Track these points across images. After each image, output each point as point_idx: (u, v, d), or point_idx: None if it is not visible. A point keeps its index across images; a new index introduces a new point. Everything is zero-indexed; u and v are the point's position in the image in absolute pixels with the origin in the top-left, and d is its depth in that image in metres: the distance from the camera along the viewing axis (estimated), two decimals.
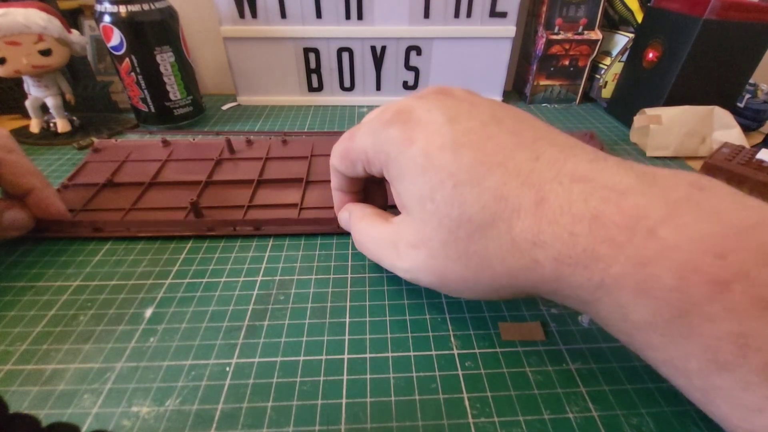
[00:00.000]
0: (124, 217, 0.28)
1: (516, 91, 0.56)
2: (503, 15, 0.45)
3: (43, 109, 0.39)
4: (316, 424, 0.16)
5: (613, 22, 0.49)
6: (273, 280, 0.23)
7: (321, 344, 0.20)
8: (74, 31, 0.37)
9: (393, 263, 0.19)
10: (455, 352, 0.19)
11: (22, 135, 0.39)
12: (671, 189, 0.13)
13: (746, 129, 0.42)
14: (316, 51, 0.47)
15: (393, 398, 0.17)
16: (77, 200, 0.29)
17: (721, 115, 0.37)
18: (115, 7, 0.35)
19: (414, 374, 0.18)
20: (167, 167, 0.34)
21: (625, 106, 0.45)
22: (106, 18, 0.36)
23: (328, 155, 0.22)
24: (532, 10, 0.49)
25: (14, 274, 0.24)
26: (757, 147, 0.34)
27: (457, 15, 0.45)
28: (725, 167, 0.31)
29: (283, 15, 0.44)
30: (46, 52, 0.35)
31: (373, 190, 0.25)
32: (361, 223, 0.22)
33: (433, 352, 0.19)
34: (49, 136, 0.39)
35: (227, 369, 0.18)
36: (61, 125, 0.39)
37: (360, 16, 0.45)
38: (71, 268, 0.24)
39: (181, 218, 0.28)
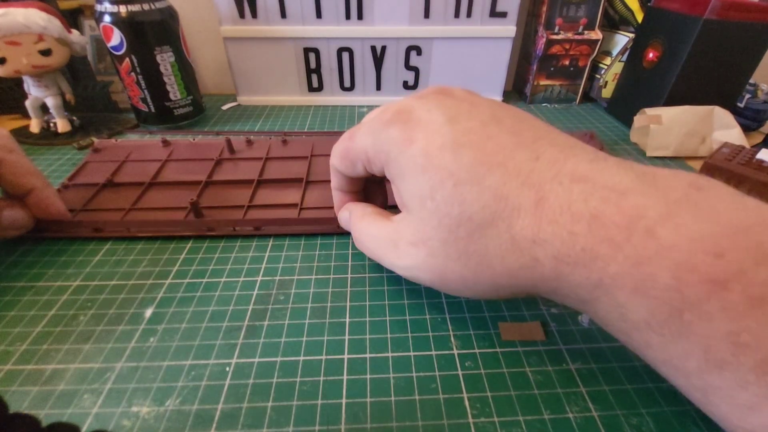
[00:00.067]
0: (124, 217, 0.28)
1: (516, 91, 0.56)
2: (503, 15, 0.45)
3: (43, 109, 0.39)
4: (316, 424, 0.16)
5: (613, 22, 0.49)
6: (273, 280, 0.23)
7: (321, 344, 0.20)
8: (74, 31, 0.37)
9: (393, 262, 0.19)
10: (455, 352, 0.19)
11: (22, 135, 0.39)
12: (670, 189, 0.13)
13: (746, 129, 0.42)
14: (316, 51, 0.47)
15: (393, 398, 0.17)
16: (77, 200, 0.29)
17: (721, 115, 0.37)
18: (115, 7, 0.35)
19: (414, 374, 0.18)
20: (167, 167, 0.34)
21: (625, 106, 0.45)
22: (106, 18, 0.36)
23: (328, 155, 0.22)
24: (532, 10, 0.49)
25: (14, 274, 0.24)
26: (757, 147, 0.34)
27: (457, 15, 0.45)
28: (725, 167, 0.31)
29: (283, 15, 0.44)
30: (46, 52, 0.35)
31: (373, 190, 0.25)
32: (361, 222, 0.22)
33: (433, 352, 0.19)
34: (49, 136, 0.39)
35: (227, 369, 0.18)
36: (61, 125, 0.39)
37: (360, 16, 0.45)
38: (71, 268, 0.24)
39: (181, 218, 0.28)
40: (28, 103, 0.38)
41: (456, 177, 0.16)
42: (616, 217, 0.13)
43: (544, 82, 0.50)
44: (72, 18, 0.44)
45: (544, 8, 0.46)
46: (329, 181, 0.24)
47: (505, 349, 0.19)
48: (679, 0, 0.38)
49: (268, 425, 0.16)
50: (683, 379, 0.14)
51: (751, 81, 0.43)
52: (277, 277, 0.23)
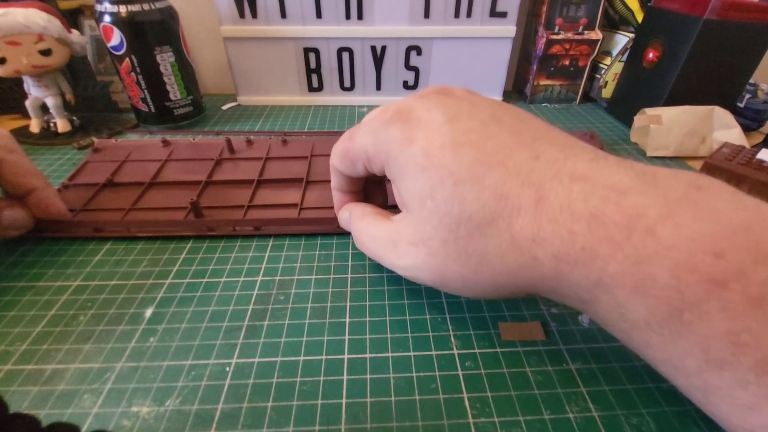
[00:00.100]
0: (124, 217, 0.28)
1: (516, 91, 0.56)
2: (503, 15, 0.45)
3: (43, 109, 0.39)
4: (316, 424, 0.16)
5: (614, 22, 0.49)
6: (273, 280, 0.23)
7: (321, 344, 0.20)
8: (74, 31, 0.37)
9: (393, 262, 0.19)
10: (455, 352, 0.19)
11: (22, 135, 0.39)
12: (670, 188, 0.13)
13: (746, 129, 0.42)
14: (316, 51, 0.47)
15: (393, 398, 0.17)
16: (77, 200, 0.29)
17: (721, 115, 0.37)
18: (115, 7, 0.35)
19: (414, 374, 0.18)
20: (167, 167, 0.34)
21: (625, 105, 0.45)
22: (106, 18, 0.36)
23: (328, 155, 0.22)
24: (532, 10, 0.49)
25: (14, 274, 0.24)
26: (757, 147, 0.34)
27: (457, 15, 0.45)
28: (725, 167, 0.31)
29: (283, 15, 0.44)
30: (46, 52, 0.35)
31: (373, 190, 0.25)
32: (361, 222, 0.22)
33: (433, 352, 0.19)
34: (49, 136, 0.39)
35: (227, 369, 0.18)
36: (61, 125, 0.39)
37: (360, 16, 0.45)
38: (71, 268, 0.24)
39: (181, 218, 0.28)
40: (28, 103, 0.38)
41: (456, 176, 0.16)
42: (615, 217, 0.13)
43: (544, 82, 0.50)
44: (72, 18, 0.44)
45: (544, 8, 0.46)
46: (329, 181, 0.24)
47: (505, 349, 0.19)
48: (679, 0, 0.38)
49: (268, 425, 0.16)
50: (683, 379, 0.14)
51: (751, 81, 0.43)
52: (277, 277, 0.23)
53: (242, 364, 0.19)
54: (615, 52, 0.47)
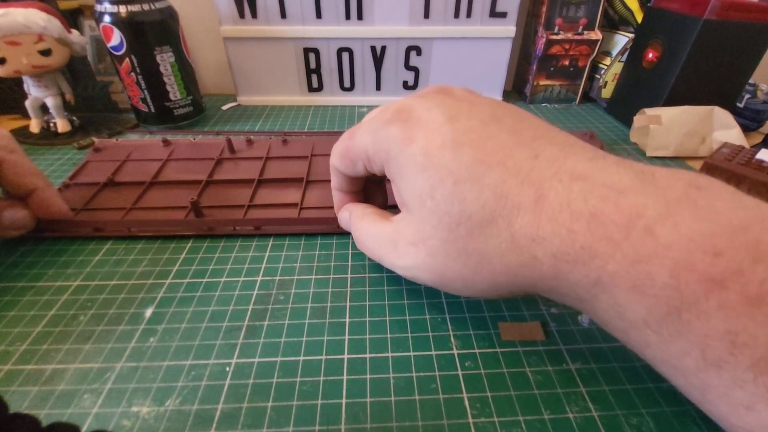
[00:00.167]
0: (124, 216, 0.28)
1: (516, 91, 0.56)
2: (503, 15, 0.45)
3: (43, 109, 0.39)
4: (316, 424, 0.16)
5: (613, 22, 0.49)
6: (273, 280, 0.23)
7: (321, 344, 0.20)
8: (74, 31, 0.37)
9: (393, 262, 0.19)
10: (455, 352, 0.19)
11: (22, 135, 0.39)
12: (670, 188, 0.13)
13: (746, 129, 0.42)
14: (316, 51, 0.47)
15: (393, 398, 0.17)
16: (78, 200, 0.29)
17: (720, 115, 0.37)
18: (115, 7, 0.35)
19: (414, 374, 0.18)
20: (168, 167, 0.34)
21: (625, 106, 0.45)
22: (106, 18, 0.36)
23: (329, 155, 0.22)
24: (532, 10, 0.50)
25: (14, 274, 0.24)
26: (757, 147, 0.34)
27: (457, 15, 0.45)
28: (725, 167, 0.31)
29: (283, 15, 0.44)
30: (46, 52, 0.35)
31: (372, 190, 0.25)
32: (361, 222, 0.22)
33: (433, 352, 0.19)
34: (49, 136, 0.39)
35: (227, 369, 0.18)
36: (61, 125, 0.39)
37: (360, 16, 0.45)
38: (71, 268, 0.24)
39: (181, 218, 0.28)
40: (28, 103, 0.38)
41: (456, 175, 0.16)
42: (615, 216, 0.13)
43: (543, 82, 0.50)
44: (72, 18, 0.44)
45: (544, 8, 0.46)
46: (329, 181, 0.24)
47: (505, 349, 0.19)
48: (678, 0, 0.38)
49: (268, 425, 0.16)
50: (682, 378, 0.14)
51: (751, 81, 0.43)
52: (277, 277, 0.23)
53: (242, 364, 0.19)
54: (615, 53, 0.47)
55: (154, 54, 0.38)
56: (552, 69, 0.49)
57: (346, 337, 0.20)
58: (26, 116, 0.40)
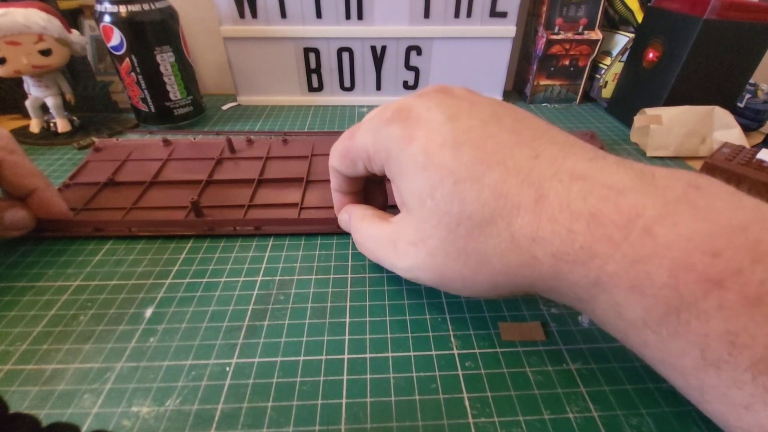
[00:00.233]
0: (124, 216, 0.28)
1: (516, 91, 0.56)
2: (503, 15, 0.45)
3: (43, 109, 0.39)
4: (316, 424, 0.16)
5: (613, 22, 0.49)
6: (273, 280, 0.23)
7: (321, 344, 0.20)
8: (74, 31, 0.37)
9: (393, 262, 0.19)
10: (455, 352, 0.19)
11: (22, 135, 0.39)
12: (669, 188, 0.13)
13: (746, 129, 0.42)
14: (316, 51, 0.47)
15: (393, 398, 0.17)
16: (78, 200, 0.29)
17: (721, 115, 0.37)
18: (115, 7, 0.35)
19: (414, 374, 0.18)
20: (168, 166, 0.34)
21: (625, 106, 0.45)
22: (106, 18, 0.36)
23: (329, 155, 0.22)
24: (532, 10, 0.49)
25: (15, 274, 0.24)
26: (758, 147, 0.33)
27: (457, 15, 0.45)
28: (725, 167, 0.31)
29: (283, 15, 0.44)
30: (46, 52, 0.35)
31: (372, 191, 0.25)
32: (361, 223, 0.22)
33: (433, 352, 0.19)
34: (49, 136, 0.39)
35: (227, 369, 0.18)
36: (61, 125, 0.39)
37: (360, 16, 0.45)
38: (71, 268, 0.24)
39: (181, 218, 0.28)
40: (28, 103, 0.38)
41: (456, 175, 0.16)
42: (614, 216, 0.13)
43: (544, 82, 0.50)
44: (72, 18, 0.44)
45: (544, 8, 0.46)
46: (330, 181, 0.24)
47: (505, 349, 0.19)
48: (679, 0, 0.38)
49: (268, 425, 0.16)
50: (680, 378, 0.14)
51: (751, 81, 0.43)
52: (277, 277, 0.23)
53: (242, 364, 0.19)
54: (615, 52, 0.47)
55: (154, 54, 0.38)
56: (552, 69, 0.49)
57: (346, 337, 0.20)
58: (26, 116, 0.40)
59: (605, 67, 0.48)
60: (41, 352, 0.19)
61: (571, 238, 0.14)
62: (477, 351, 0.19)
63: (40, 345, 0.19)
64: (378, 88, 0.50)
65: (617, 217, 0.13)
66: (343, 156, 0.21)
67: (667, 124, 0.37)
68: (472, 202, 0.15)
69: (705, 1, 0.35)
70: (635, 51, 0.44)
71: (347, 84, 0.49)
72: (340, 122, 0.45)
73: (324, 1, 0.43)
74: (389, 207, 0.26)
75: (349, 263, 0.25)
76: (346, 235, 0.27)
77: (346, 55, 0.47)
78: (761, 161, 0.31)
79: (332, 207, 0.25)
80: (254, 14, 0.44)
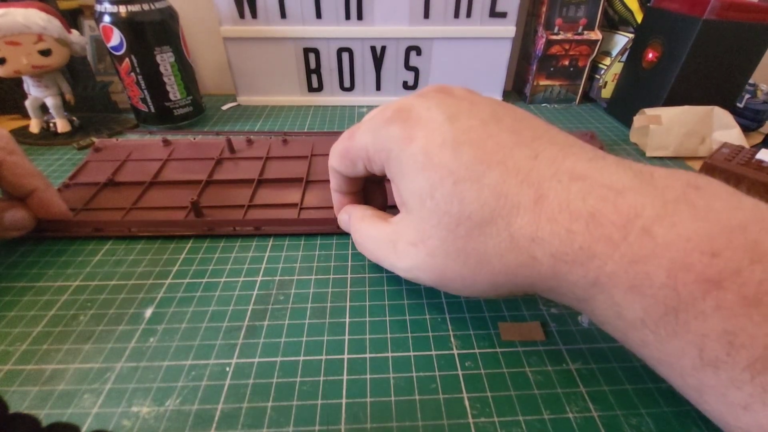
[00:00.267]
0: (124, 216, 0.28)
1: (516, 91, 0.56)
2: (503, 15, 0.45)
3: (43, 109, 0.39)
4: (316, 424, 0.16)
5: (613, 22, 0.49)
6: (273, 280, 0.23)
7: (321, 344, 0.20)
8: (74, 31, 0.37)
9: (393, 263, 0.19)
10: (455, 352, 0.19)
11: (21, 135, 0.39)
12: (668, 188, 0.13)
13: (746, 129, 0.42)
14: (316, 51, 0.47)
15: (393, 398, 0.17)
16: (78, 200, 0.29)
17: (720, 115, 0.37)
18: (115, 7, 0.35)
19: (414, 374, 0.18)
20: (168, 166, 0.34)
21: (624, 106, 0.45)
22: (106, 18, 0.36)
23: (329, 155, 0.22)
24: (532, 10, 0.50)
25: (14, 274, 0.24)
26: (757, 147, 0.34)
27: (457, 15, 0.45)
28: (725, 167, 0.31)
29: (283, 15, 0.44)
30: (46, 52, 0.35)
31: (372, 191, 0.25)
32: (360, 224, 0.22)
33: (433, 352, 0.19)
34: (48, 136, 0.39)
35: (227, 369, 0.18)
36: (61, 125, 0.39)
37: (360, 17, 0.45)
38: (71, 268, 0.24)
39: (181, 218, 0.28)
40: (27, 103, 0.38)
41: (456, 175, 0.16)
42: (613, 216, 0.13)
43: (543, 82, 0.50)
44: (72, 18, 0.44)
45: (544, 8, 0.46)
46: (329, 181, 0.24)
47: (505, 349, 0.19)
48: (678, 0, 0.38)
49: (268, 425, 0.16)
50: (679, 378, 0.14)
51: (751, 81, 0.43)
52: (277, 277, 0.23)
53: (242, 364, 0.19)
54: (614, 53, 0.47)
55: (154, 54, 0.38)
56: (552, 69, 0.49)
57: (346, 337, 0.20)
58: (26, 116, 0.40)
59: (605, 67, 0.48)
60: (41, 352, 0.19)
61: (570, 239, 0.14)
62: (477, 351, 0.19)
63: (40, 345, 0.19)
64: (378, 88, 0.50)
65: (616, 217, 0.13)
66: (343, 156, 0.21)
67: (666, 125, 0.37)
68: (471, 202, 0.15)
69: (704, 1, 0.35)
70: (635, 51, 0.44)
71: (347, 84, 0.49)
72: (340, 122, 0.45)
73: (324, 1, 0.43)
74: (389, 207, 0.26)
75: (349, 263, 0.25)
76: (346, 235, 0.27)
77: (345, 56, 0.47)
78: (760, 161, 0.31)
79: (332, 207, 0.26)
80: (254, 14, 0.44)
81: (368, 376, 0.18)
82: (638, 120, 0.39)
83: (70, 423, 0.11)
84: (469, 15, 0.45)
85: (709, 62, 0.37)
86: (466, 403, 0.17)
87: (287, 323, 0.21)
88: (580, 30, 0.46)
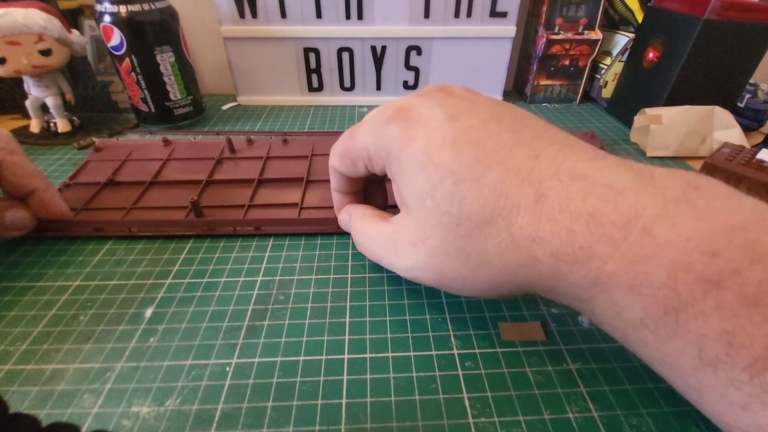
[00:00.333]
0: (124, 216, 0.28)
1: (516, 91, 0.56)
2: (503, 15, 0.45)
3: (43, 109, 0.39)
4: (316, 424, 0.16)
5: (614, 22, 0.49)
6: (273, 280, 0.23)
7: (321, 344, 0.20)
8: (74, 31, 0.37)
9: (393, 262, 0.19)
10: (455, 352, 0.19)
11: (22, 135, 0.39)
12: (668, 188, 0.13)
13: (746, 129, 0.42)
14: (316, 51, 0.47)
15: (393, 398, 0.17)
16: (78, 199, 0.29)
17: (721, 115, 0.37)
18: (115, 7, 0.35)
19: (414, 374, 0.18)
20: (168, 166, 0.34)
21: (625, 106, 0.45)
22: (106, 18, 0.36)
23: (329, 155, 0.22)
24: (532, 10, 0.49)
25: (15, 274, 0.24)
26: (758, 147, 0.33)
27: (457, 15, 0.45)
28: (725, 167, 0.31)
29: (283, 15, 0.44)
30: (46, 52, 0.35)
31: (372, 191, 0.25)
32: (360, 223, 0.22)
33: (433, 352, 0.19)
34: (49, 136, 0.39)
35: (227, 369, 0.18)
36: (61, 125, 0.39)
37: (360, 16, 0.45)
38: (71, 268, 0.24)
39: (181, 218, 0.28)
40: (28, 103, 0.38)
41: (456, 175, 0.16)
42: (613, 216, 0.13)
43: (544, 82, 0.50)
44: (72, 18, 0.44)
45: (544, 8, 0.46)
46: (329, 181, 0.24)
47: (505, 349, 0.19)
48: (679, 0, 0.38)
49: (268, 425, 0.16)
50: (678, 378, 0.14)
51: (751, 81, 0.43)
52: (277, 277, 0.23)
53: (242, 364, 0.19)
54: (615, 52, 0.47)
55: (154, 54, 0.38)
56: (552, 69, 0.49)
57: (346, 337, 0.20)
58: (26, 116, 0.40)
59: (605, 67, 0.48)
60: (41, 352, 0.19)
61: (571, 238, 0.14)
62: (477, 351, 0.19)
63: (40, 345, 0.19)
64: (378, 88, 0.50)
65: (616, 217, 0.13)
66: (343, 156, 0.21)
67: (667, 124, 0.37)
68: (472, 201, 0.15)
69: (705, 1, 0.35)
70: (635, 51, 0.44)
71: (347, 84, 0.49)
72: (340, 122, 0.45)
73: (324, 1, 0.43)
74: (389, 207, 0.26)
75: (349, 263, 0.25)
76: (346, 235, 0.27)
77: (346, 55, 0.47)
78: (761, 161, 0.31)
79: (332, 207, 0.26)
80: (254, 14, 0.44)
81: (368, 376, 0.18)
82: (639, 120, 0.39)
83: (70, 423, 0.11)
84: (469, 15, 0.45)
85: (710, 62, 0.37)
86: (467, 403, 0.17)
87: (287, 323, 0.21)
88: (580, 30, 0.46)
